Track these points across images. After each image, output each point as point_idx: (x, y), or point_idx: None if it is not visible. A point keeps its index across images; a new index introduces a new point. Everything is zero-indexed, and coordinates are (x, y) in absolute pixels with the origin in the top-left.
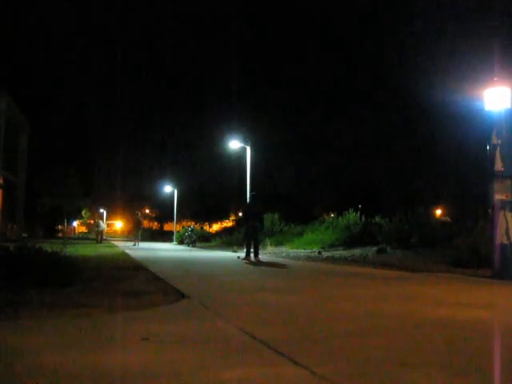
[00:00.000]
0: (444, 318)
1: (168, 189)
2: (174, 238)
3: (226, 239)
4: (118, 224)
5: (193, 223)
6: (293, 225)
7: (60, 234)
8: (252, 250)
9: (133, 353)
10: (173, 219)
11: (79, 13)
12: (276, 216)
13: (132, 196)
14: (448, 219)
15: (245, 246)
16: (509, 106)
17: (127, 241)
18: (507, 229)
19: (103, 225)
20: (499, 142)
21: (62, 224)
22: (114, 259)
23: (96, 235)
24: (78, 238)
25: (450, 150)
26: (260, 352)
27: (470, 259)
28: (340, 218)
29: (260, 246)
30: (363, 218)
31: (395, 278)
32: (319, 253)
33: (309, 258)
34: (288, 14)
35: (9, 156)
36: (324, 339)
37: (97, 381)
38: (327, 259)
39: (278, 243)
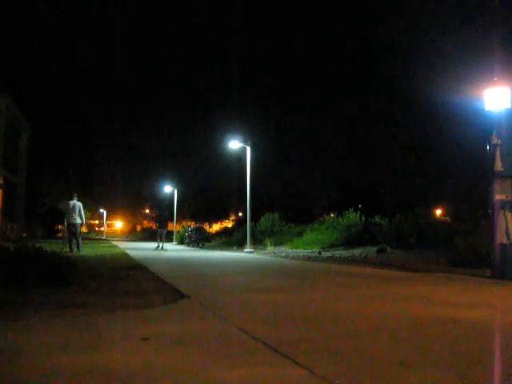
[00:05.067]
0: (444, 317)
1: (168, 189)
2: (174, 238)
3: (225, 239)
4: (118, 224)
5: (193, 223)
6: (293, 225)
7: (60, 234)
8: None
9: (133, 353)
10: (173, 219)
11: (80, 13)
12: (276, 216)
13: (132, 196)
14: (448, 219)
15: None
16: (509, 106)
17: (129, 241)
18: (507, 229)
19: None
20: (499, 142)
21: (62, 224)
22: (114, 259)
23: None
24: None
25: (450, 150)
26: (260, 352)
27: (470, 259)
28: (340, 218)
29: (260, 246)
30: (363, 218)
31: (395, 277)
32: (319, 253)
33: (309, 258)
34: (289, 15)
35: (9, 156)
36: (324, 339)
37: (97, 381)
38: (327, 259)
39: (278, 243)
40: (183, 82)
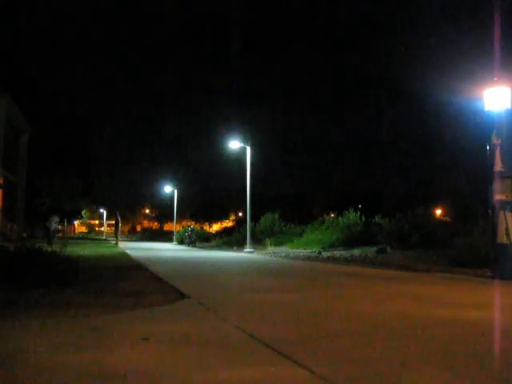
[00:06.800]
0: (444, 318)
1: (168, 189)
2: (174, 238)
3: (225, 239)
4: None
5: (193, 223)
6: (293, 225)
7: (60, 234)
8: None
9: (133, 353)
10: (173, 219)
11: (81, 13)
12: (276, 216)
13: (132, 196)
14: (448, 219)
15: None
16: (509, 106)
17: (129, 241)
18: (507, 229)
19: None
20: (499, 142)
21: (62, 224)
22: (114, 259)
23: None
24: (78, 238)
25: (450, 150)
26: (260, 352)
27: (470, 259)
28: (340, 218)
29: (260, 246)
30: (363, 218)
31: (395, 277)
32: (319, 253)
33: (309, 258)
34: (288, 16)
35: (9, 156)
36: (324, 339)
37: (97, 380)
38: (327, 259)
39: (278, 243)
40: (183, 81)
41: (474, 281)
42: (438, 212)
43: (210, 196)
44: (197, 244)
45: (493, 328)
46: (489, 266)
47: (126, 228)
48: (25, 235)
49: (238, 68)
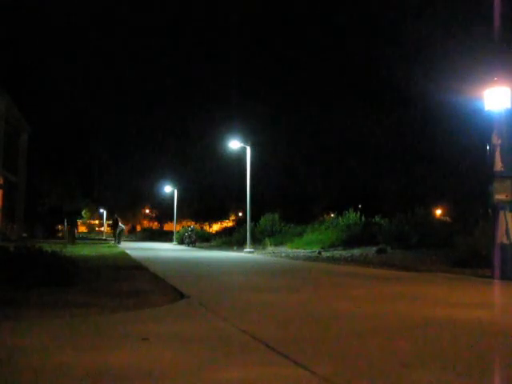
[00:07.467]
0: (444, 317)
1: (168, 189)
2: (174, 237)
3: (225, 239)
4: None
5: (193, 223)
6: (293, 225)
7: (60, 234)
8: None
9: (133, 353)
10: (173, 219)
11: (81, 13)
12: (276, 216)
13: (132, 196)
14: (448, 219)
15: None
16: (509, 106)
17: (129, 241)
18: (507, 229)
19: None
20: (499, 142)
21: (62, 224)
22: (114, 259)
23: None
24: (78, 238)
25: (450, 150)
26: (260, 352)
27: (470, 259)
28: (340, 218)
29: (260, 246)
30: (363, 218)
31: (395, 278)
32: (319, 253)
33: (309, 258)
34: (288, 14)
35: (9, 156)
36: (324, 339)
37: (97, 381)
38: (327, 259)
39: (278, 243)
40: (183, 81)
41: (475, 281)
42: (438, 212)
43: (210, 196)
44: (197, 244)
45: (493, 328)
46: (489, 266)
47: (126, 228)
48: (25, 235)
49: (239, 68)
